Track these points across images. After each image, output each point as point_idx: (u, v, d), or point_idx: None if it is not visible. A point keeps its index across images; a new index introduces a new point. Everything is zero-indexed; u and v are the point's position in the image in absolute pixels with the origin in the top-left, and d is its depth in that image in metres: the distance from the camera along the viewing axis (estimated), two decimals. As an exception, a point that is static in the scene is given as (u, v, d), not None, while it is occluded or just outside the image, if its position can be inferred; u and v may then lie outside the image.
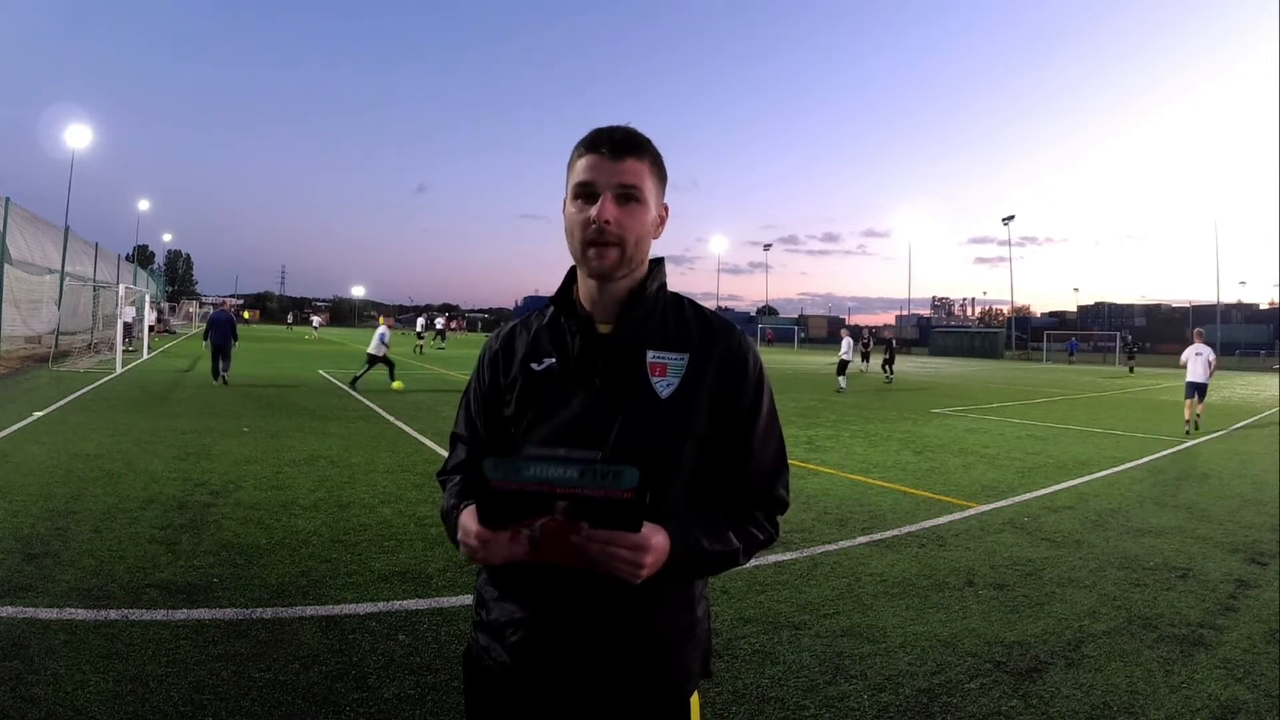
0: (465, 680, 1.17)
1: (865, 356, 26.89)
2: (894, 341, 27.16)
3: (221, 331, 13.28)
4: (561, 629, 1.07)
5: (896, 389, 18.29)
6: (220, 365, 13.10)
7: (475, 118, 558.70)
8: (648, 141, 1.12)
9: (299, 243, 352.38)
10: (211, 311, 15.29)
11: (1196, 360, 11.70)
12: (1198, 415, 11.39)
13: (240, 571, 3.64)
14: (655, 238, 1.16)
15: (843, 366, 17.42)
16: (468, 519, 0.97)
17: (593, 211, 1.06)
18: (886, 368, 21.91)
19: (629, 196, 1.08)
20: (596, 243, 1.07)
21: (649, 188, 1.11)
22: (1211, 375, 11.95)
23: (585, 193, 1.08)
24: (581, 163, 1.09)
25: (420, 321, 30.94)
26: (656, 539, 0.95)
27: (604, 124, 1.12)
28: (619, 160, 1.07)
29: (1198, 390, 11.47)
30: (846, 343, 18.23)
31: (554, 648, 1.07)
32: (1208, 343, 12.09)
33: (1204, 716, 2.60)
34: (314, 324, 52.72)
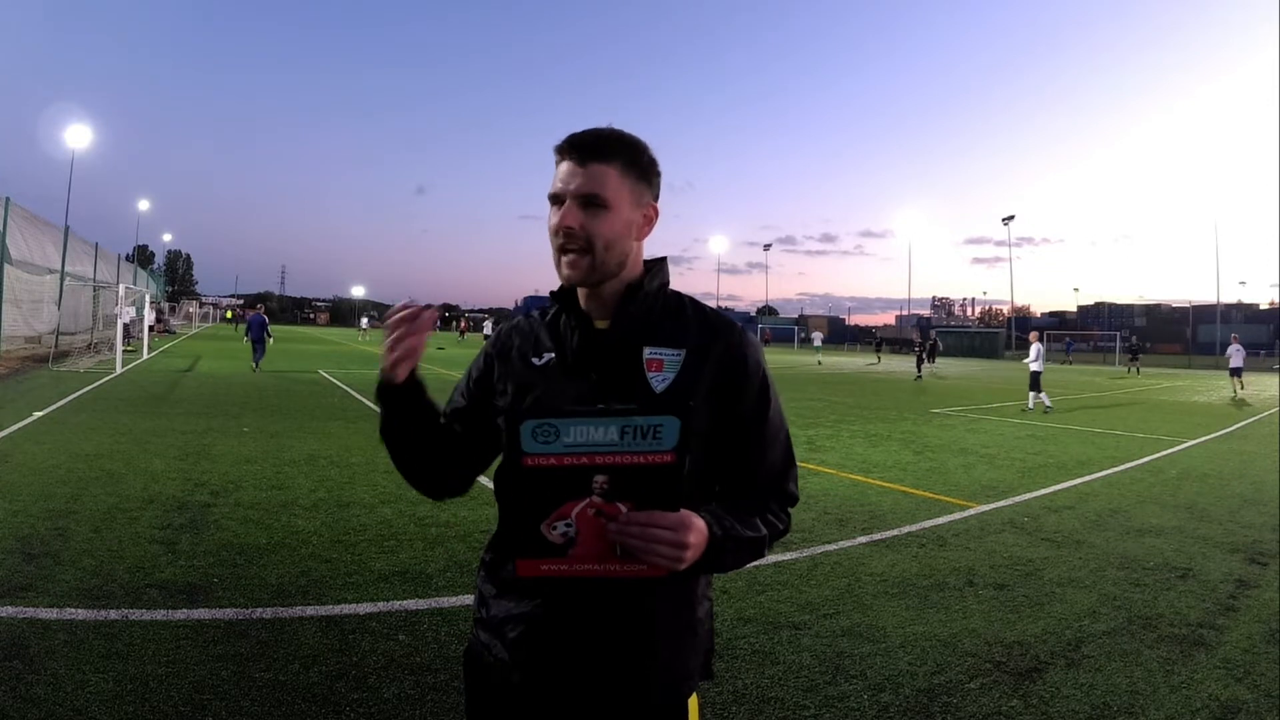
0: (465, 678, 1.17)
1: (931, 357, 26.21)
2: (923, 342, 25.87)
3: (253, 329, 17.06)
4: (561, 626, 1.07)
5: (898, 389, 18.29)
6: (256, 355, 16.56)
7: (474, 120, 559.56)
8: (619, 143, 1.10)
9: (299, 243, 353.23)
10: (249, 314, 19.15)
11: (1237, 353, 19.61)
12: (1240, 389, 19.11)
13: (240, 571, 3.64)
14: (638, 239, 1.15)
15: (1036, 380, 13.46)
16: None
17: (554, 220, 1.08)
18: (920, 366, 22.65)
19: (591, 201, 1.08)
20: (565, 250, 1.08)
21: (616, 191, 1.09)
22: (1245, 361, 19.94)
23: (554, 200, 1.10)
24: (557, 169, 1.11)
25: (488, 325, 35.63)
26: (696, 520, 0.94)
27: (600, 125, 1.11)
28: (584, 166, 1.08)
29: (1238, 372, 19.43)
30: (1037, 349, 13.91)
31: (553, 645, 1.07)
32: (1242, 343, 20.23)
33: (1204, 716, 2.60)
34: (362, 324, 50.58)
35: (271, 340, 17.25)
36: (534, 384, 1.14)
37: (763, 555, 1.11)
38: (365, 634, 3.02)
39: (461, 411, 1.22)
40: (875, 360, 35.18)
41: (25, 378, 12.69)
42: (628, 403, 0.92)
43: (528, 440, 0.88)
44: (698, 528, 0.93)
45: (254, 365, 16.36)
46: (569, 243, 1.08)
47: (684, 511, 0.91)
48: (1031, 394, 13.36)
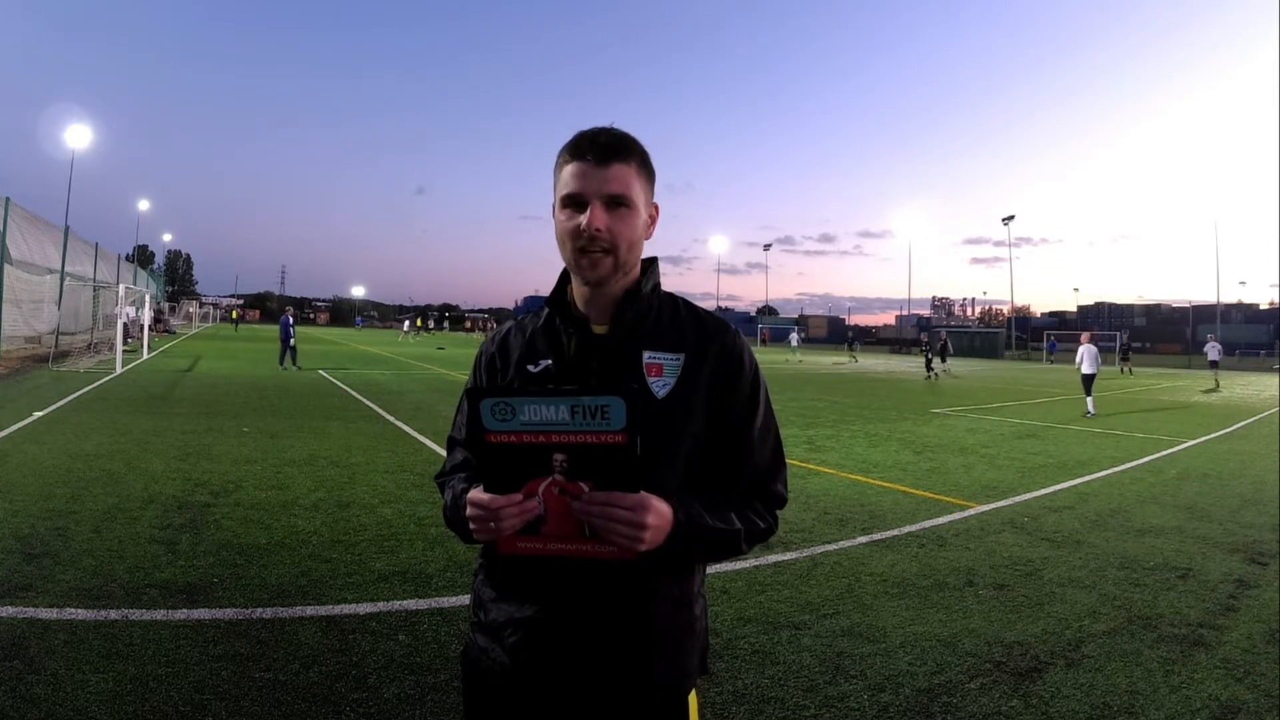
0: (464, 681, 1.17)
1: (943, 356, 26.66)
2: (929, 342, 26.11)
3: (281, 330, 17.98)
4: (560, 629, 1.07)
5: (898, 389, 18.29)
6: (288, 355, 17.32)
7: (473, 121, 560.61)
8: (634, 143, 1.11)
9: (299, 243, 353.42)
10: (280, 317, 19.72)
11: (1213, 349, 24.67)
12: (1217, 380, 24.15)
13: (240, 571, 3.64)
14: (647, 238, 1.16)
15: (1088, 383, 13.11)
16: (476, 494, 0.96)
17: (583, 220, 1.06)
18: (930, 366, 23.31)
19: (618, 203, 1.07)
20: (589, 251, 1.07)
21: (637, 191, 1.10)
22: (1221, 357, 25.09)
23: (574, 201, 1.08)
24: (568, 170, 1.08)
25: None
26: (657, 503, 0.95)
27: (609, 123, 1.11)
28: (605, 167, 1.07)
29: (1215, 365, 24.42)
30: (1088, 351, 13.39)
31: (553, 647, 1.07)
32: (1218, 341, 25.75)
33: (1204, 716, 2.60)
34: (404, 327, 49.80)
35: (293, 341, 17.72)
36: None
37: (740, 550, 1.10)
38: (365, 634, 3.02)
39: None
40: (846, 359, 36.03)
41: (25, 378, 12.69)
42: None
43: (488, 418, 0.92)
44: (658, 510, 0.94)
45: (287, 365, 17.03)
46: (594, 244, 1.06)
47: (644, 494, 0.93)
48: (1089, 399, 12.98)
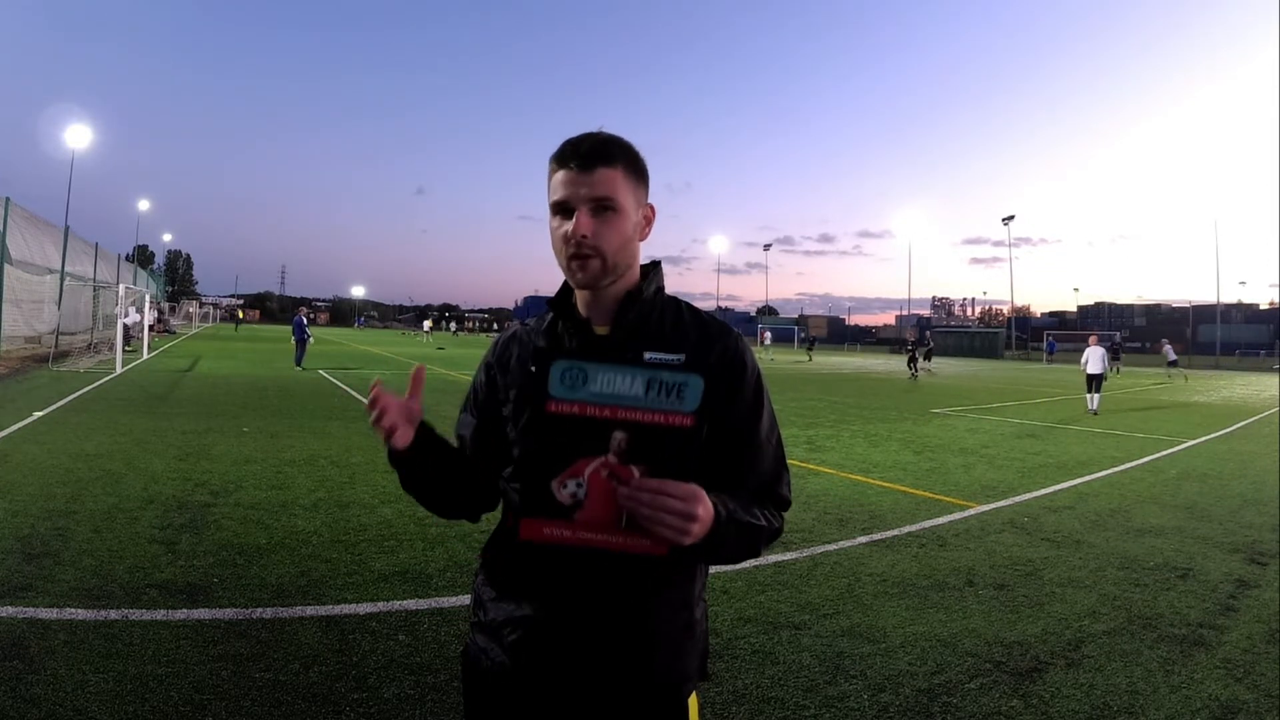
0: (464, 681, 1.17)
1: (927, 356, 27.69)
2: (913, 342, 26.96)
3: (295, 330, 18.22)
4: (560, 629, 1.07)
5: (897, 389, 18.29)
6: (298, 354, 17.70)
7: (473, 122, 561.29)
8: (620, 146, 1.11)
9: (299, 243, 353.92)
10: (293, 317, 20.02)
11: (1169, 351, 30.39)
12: (1180, 375, 28.85)
13: (240, 571, 3.64)
14: (642, 239, 1.16)
15: (1093, 382, 13.40)
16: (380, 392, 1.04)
17: (569, 227, 1.07)
18: (913, 365, 23.84)
19: (604, 207, 1.07)
20: (578, 256, 1.07)
21: (624, 194, 1.09)
22: (1178, 357, 30.72)
23: (561, 209, 1.09)
24: (555, 178, 1.09)
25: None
26: (705, 495, 0.93)
27: (597, 128, 1.11)
28: (589, 172, 1.07)
29: (1174, 364, 29.86)
30: (1095, 352, 13.71)
31: (552, 647, 1.07)
32: (1171, 344, 31.93)
33: (1204, 716, 2.60)
34: (425, 328, 50.16)
35: (311, 340, 17.96)
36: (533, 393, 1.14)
37: (758, 552, 1.10)
38: (365, 634, 3.02)
39: (476, 430, 1.20)
40: (804, 358, 37.42)
41: (25, 378, 12.68)
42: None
43: (555, 383, 0.88)
44: (706, 504, 0.94)
45: (297, 364, 17.37)
46: (582, 249, 1.07)
47: (695, 485, 0.91)
48: (1095, 396, 13.29)
